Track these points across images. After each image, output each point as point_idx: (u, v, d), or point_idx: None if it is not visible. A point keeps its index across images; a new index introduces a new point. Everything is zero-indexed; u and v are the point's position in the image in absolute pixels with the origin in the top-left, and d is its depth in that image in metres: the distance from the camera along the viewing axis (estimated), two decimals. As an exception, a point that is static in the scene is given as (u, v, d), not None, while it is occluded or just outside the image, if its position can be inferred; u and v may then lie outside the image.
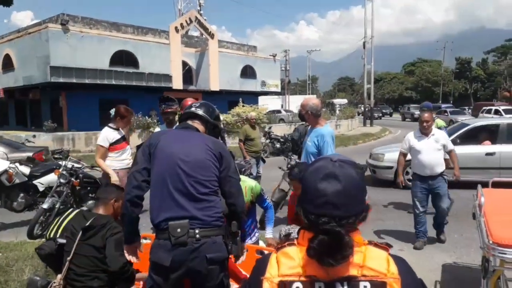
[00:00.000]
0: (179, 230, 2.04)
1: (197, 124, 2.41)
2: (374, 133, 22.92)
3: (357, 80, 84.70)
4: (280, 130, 20.98)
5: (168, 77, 24.87)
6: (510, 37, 66.13)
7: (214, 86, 27.18)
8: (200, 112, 2.45)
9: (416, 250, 4.86)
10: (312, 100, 4.39)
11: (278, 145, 14.69)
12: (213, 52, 27.11)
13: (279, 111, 29.39)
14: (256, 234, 3.62)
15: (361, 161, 8.06)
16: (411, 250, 4.87)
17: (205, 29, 27.08)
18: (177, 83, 25.13)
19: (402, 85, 75.22)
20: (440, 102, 52.99)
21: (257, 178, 7.63)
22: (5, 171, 5.67)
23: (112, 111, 5.11)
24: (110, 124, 5.13)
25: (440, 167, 4.93)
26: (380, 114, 46.02)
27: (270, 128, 17.08)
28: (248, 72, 30.79)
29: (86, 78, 21.43)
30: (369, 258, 1.08)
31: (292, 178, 3.28)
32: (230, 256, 2.32)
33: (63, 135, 17.27)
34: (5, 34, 25.33)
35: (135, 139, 17.50)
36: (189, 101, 4.60)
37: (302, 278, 1.10)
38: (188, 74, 27.67)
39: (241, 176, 3.64)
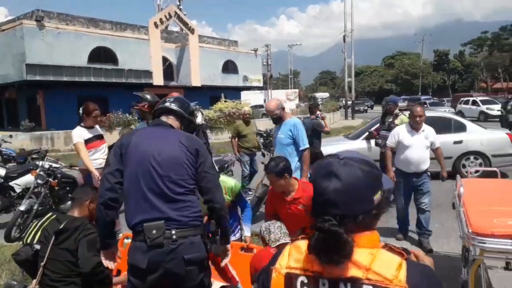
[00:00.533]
0: (154, 231, 1.99)
1: (171, 119, 2.35)
2: (355, 126, 23.08)
3: (338, 74, 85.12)
4: (263, 125, 20.95)
5: (148, 73, 24.55)
6: (486, 30, 67.42)
7: (196, 82, 26.96)
8: (174, 107, 2.38)
9: (398, 241, 4.92)
10: (274, 99, 4.69)
11: (261, 140, 14.65)
12: (194, 47, 26.86)
13: (261, 106, 29.32)
14: (240, 232, 3.60)
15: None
16: (393, 242, 4.94)
17: (185, 24, 26.80)
18: (158, 79, 24.84)
19: (382, 78, 76.16)
20: (420, 94, 53.84)
21: (252, 174, 7.44)
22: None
23: (81, 110, 5.03)
24: (82, 124, 5.02)
25: (426, 164, 4.78)
26: (366, 107, 45.30)
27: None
28: (229, 67, 30.64)
29: (64, 75, 20.96)
30: (377, 261, 1.03)
31: (268, 172, 3.21)
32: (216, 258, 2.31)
33: (41, 135, 16.88)
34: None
35: (116, 137, 17.24)
36: (175, 95, 4.59)
37: (308, 273, 1.09)
38: (169, 70, 27.38)
39: (221, 177, 3.53)
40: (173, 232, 2.01)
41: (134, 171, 2.08)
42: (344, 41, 29.50)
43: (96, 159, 4.96)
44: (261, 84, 34.67)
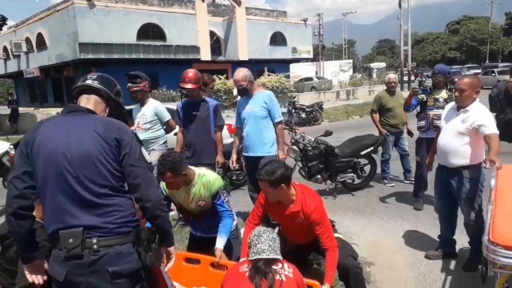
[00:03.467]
0: (71, 240, 1.71)
1: (93, 101, 1.96)
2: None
3: (398, 42, 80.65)
4: (309, 98, 20.34)
5: (195, 49, 24.53)
6: None
7: (243, 56, 26.56)
8: (96, 84, 1.97)
9: (428, 259, 3.82)
10: (243, 69, 4.30)
11: (303, 115, 14.16)
12: (241, 20, 26.34)
13: (310, 79, 28.46)
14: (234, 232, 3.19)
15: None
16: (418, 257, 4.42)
17: (232, -4, 26.25)
18: (205, 55, 24.77)
19: (445, 45, 70.91)
20: (488, 61, 49.46)
21: (403, 157, 6.16)
22: (7, 153, 5.66)
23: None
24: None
25: (458, 159, 3.39)
26: (424, 79, 40.87)
27: (294, 97, 16.45)
28: (278, 39, 29.83)
29: (115, 53, 21.53)
30: None
31: (261, 179, 2.65)
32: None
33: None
34: (37, 13, 25.72)
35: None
36: (190, 72, 4.35)
37: None
38: (216, 45, 27.19)
39: (201, 169, 3.14)
40: (94, 241, 1.72)
41: (43, 174, 1.76)
42: (400, 7, 27.47)
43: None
44: (311, 56, 33.48)
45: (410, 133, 6.16)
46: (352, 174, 5.92)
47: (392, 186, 6.16)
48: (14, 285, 2.22)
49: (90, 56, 20.68)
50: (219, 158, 4.56)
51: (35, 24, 24.79)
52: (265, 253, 2.24)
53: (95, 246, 1.72)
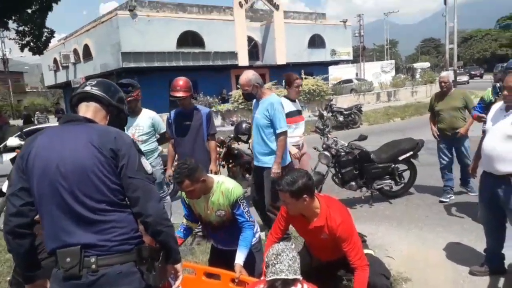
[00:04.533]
0: (68, 259, 1.61)
1: (93, 109, 1.85)
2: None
3: (443, 41, 77.56)
4: (347, 101, 19.83)
5: (233, 55, 24.75)
6: None
7: (281, 60, 26.50)
8: (96, 91, 1.85)
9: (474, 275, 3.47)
10: (249, 72, 4.09)
11: (341, 118, 13.79)
12: (279, 24, 26.31)
13: (350, 81, 27.79)
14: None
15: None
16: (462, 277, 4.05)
17: (270, 0, 26.24)
18: (243, 60, 24.93)
19: (495, 42, 67.17)
20: (543, 58, 46.28)
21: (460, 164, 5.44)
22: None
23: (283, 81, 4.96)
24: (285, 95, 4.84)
25: (508, 166, 3.04)
26: (467, 78, 38.63)
27: (331, 100, 16.06)
28: (316, 42, 29.51)
29: (155, 61, 22.15)
30: None
31: (280, 190, 2.48)
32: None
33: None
34: (85, 25, 26.96)
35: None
36: (180, 80, 4.17)
37: None
38: (254, 50, 27.32)
39: (220, 176, 3.03)
40: (93, 260, 1.61)
41: (38, 189, 1.66)
42: (445, 3, 26.23)
43: (294, 136, 4.65)
44: (350, 57, 32.82)
45: (434, 136, 5.54)
46: (389, 180, 5.60)
47: (449, 200, 5.36)
48: None
49: (132, 65, 21.38)
50: (213, 167, 4.36)
51: (82, 36, 25.99)
52: (283, 273, 2.07)
53: (93, 266, 1.61)
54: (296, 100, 4.90)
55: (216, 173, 4.48)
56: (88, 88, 1.86)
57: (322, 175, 5.33)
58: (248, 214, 2.88)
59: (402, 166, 5.73)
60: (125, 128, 4.47)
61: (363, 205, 5.56)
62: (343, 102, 19.14)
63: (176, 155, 4.46)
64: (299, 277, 2.12)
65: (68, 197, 1.63)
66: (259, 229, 3.10)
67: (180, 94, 4.13)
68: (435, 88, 26.92)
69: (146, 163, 1.80)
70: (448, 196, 5.39)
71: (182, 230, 3.08)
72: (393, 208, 5.36)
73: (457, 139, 5.26)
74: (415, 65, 46.45)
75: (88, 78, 25.60)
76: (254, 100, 4.23)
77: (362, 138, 5.26)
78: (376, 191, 5.60)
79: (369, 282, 2.56)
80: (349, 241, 2.49)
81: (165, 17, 22.92)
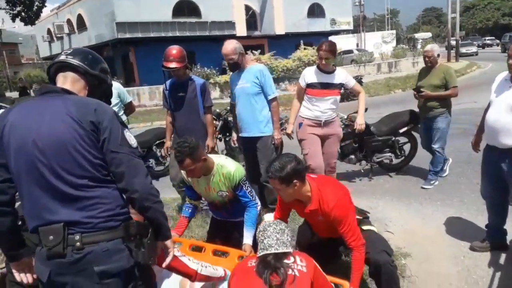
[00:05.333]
0: (51, 237, 1.53)
1: (70, 78, 1.73)
2: (458, 69, 20.26)
3: (445, 10, 76.01)
4: (348, 72, 19.49)
5: (231, 24, 24.19)
6: None
7: (280, 30, 25.92)
8: (74, 61, 1.72)
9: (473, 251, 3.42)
10: (232, 41, 3.93)
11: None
12: (277, -7, 25.56)
13: (350, 51, 27.30)
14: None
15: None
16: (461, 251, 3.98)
17: (267, -32, 25.41)
18: (241, 30, 24.39)
19: (498, 12, 65.82)
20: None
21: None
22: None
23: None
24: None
25: (509, 138, 2.92)
26: (475, 49, 34.31)
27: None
28: (315, 11, 28.81)
29: (151, 31, 21.62)
30: None
31: (270, 177, 2.38)
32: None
33: (128, 91, 17.77)
34: (77, -5, 26.21)
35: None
36: (173, 49, 3.92)
37: None
38: (252, 19, 26.64)
39: (220, 157, 2.94)
40: (78, 237, 1.54)
41: (15, 166, 1.57)
42: (449, -30, 25.43)
43: (313, 110, 4.26)
44: (351, 27, 32.14)
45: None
46: (389, 153, 5.49)
47: (431, 186, 4.92)
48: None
49: (127, 35, 20.90)
50: (210, 142, 4.20)
51: (75, 6, 25.31)
52: (273, 248, 2.03)
53: (78, 244, 1.53)
54: (335, 73, 4.22)
55: (213, 148, 4.36)
56: (63, 57, 1.74)
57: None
58: (251, 194, 2.84)
59: (402, 139, 5.60)
60: None
61: (362, 179, 5.47)
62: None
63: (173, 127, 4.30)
64: (290, 250, 2.07)
65: (47, 173, 1.54)
66: (260, 206, 3.01)
67: (173, 65, 3.86)
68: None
69: (130, 137, 1.69)
70: (432, 182, 4.96)
71: (187, 209, 3.04)
72: (393, 182, 5.28)
73: (431, 118, 4.78)
74: (417, 35, 45.68)
75: (83, 49, 25.20)
76: (232, 76, 4.12)
77: (363, 110, 5.10)
78: (376, 164, 5.50)
79: (371, 259, 2.50)
80: (344, 223, 2.41)
81: (160, -14, 22.22)
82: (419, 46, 29.88)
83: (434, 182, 4.95)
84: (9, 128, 1.58)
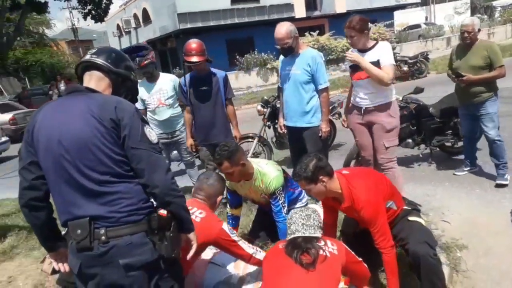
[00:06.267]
0: (79, 231, 1.62)
1: (95, 77, 1.80)
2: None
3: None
4: (414, 48, 18.37)
5: (289, 6, 23.70)
6: None
7: (340, 8, 24.93)
8: (98, 60, 1.80)
9: None
10: (285, 23, 3.66)
11: (405, 68, 12.79)
12: (337, -31, 24.57)
13: (417, 26, 25.58)
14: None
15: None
16: None
17: None
18: (300, 11, 23.81)
19: None
20: None
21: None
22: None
23: None
24: None
25: None
26: None
27: (394, 48, 14.91)
28: (379, -14, 27.28)
29: (211, 20, 21.91)
30: None
31: (297, 180, 2.39)
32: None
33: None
34: (142, -11, 27.28)
35: (254, 79, 17.50)
36: (193, 43, 3.79)
37: None
38: (312, -1, 25.91)
39: (260, 162, 2.98)
40: (103, 231, 1.61)
41: (44, 163, 1.67)
42: None
43: (354, 95, 3.94)
44: (418, 0, 30.04)
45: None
46: (452, 136, 5.09)
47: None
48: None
49: (189, 25, 21.38)
50: (236, 133, 4.19)
51: (140, 0, 26.36)
52: (299, 232, 2.07)
53: (103, 237, 1.62)
54: (371, 51, 3.57)
55: (241, 137, 4.41)
56: (88, 57, 1.83)
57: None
58: (284, 205, 2.88)
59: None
60: (148, 94, 4.21)
61: (421, 164, 5.15)
62: (409, 50, 17.82)
63: (193, 122, 4.18)
64: (318, 234, 2.09)
65: (72, 170, 1.63)
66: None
67: (195, 59, 3.76)
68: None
69: (150, 132, 1.73)
70: (466, 169, 4.63)
71: (231, 221, 3.16)
72: (455, 167, 4.87)
73: (477, 105, 4.12)
74: (495, 2, 41.53)
75: (149, 42, 26.09)
76: (282, 59, 3.91)
77: (418, 90, 4.76)
78: (436, 148, 5.13)
79: (410, 250, 2.39)
80: (373, 224, 2.34)
81: (218, -27, 22.37)
82: (496, 15, 27.26)
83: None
84: (38, 127, 1.68)
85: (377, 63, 3.47)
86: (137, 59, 4.04)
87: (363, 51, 3.57)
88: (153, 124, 4.30)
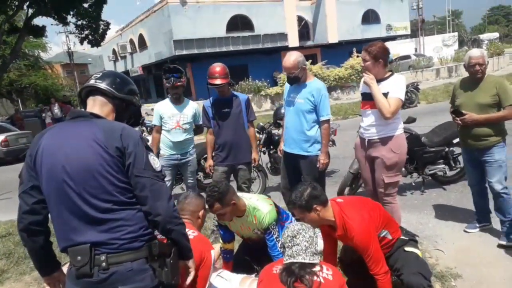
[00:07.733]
0: (79, 258, 1.60)
1: (99, 102, 1.80)
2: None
3: (515, 7, 70.83)
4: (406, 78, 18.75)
5: (283, 36, 24.36)
6: None
7: (333, 38, 25.65)
8: (102, 85, 1.79)
9: None
10: (295, 53, 3.74)
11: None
12: (330, 1, 25.36)
13: (407, 57, 26.31)
14: None
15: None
16: None
17: (319, -23, 25.34)
18: (293, 41, 24.46)
19: None
20: None
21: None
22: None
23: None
24: None
25: None
26: None
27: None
28: (370, 17, 28.20)
29: (206, 47, 22.34)
30: None
31: (291, 207, 2.48)
32: None
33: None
34: (139, 15, 27.81)
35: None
36: (217, 67, 4.03)
37: None
38: (305, 30, 26.65)
39: (252, 198, 2.95)
40: (103, 258, 1.60)
41: (46, 188, 1.66)
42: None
43: (362, 126, 4.00)
44: (408, 32, 30.97)
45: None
46: (443, 165, 5.19)
47: (474, 231, 3.91)
48: None
49: (184, 52, 21.75)
50: (255, 155, 4.32)
51: (136, 26, 26.85)
52: (300, 257, 2.02)
53: (104, 264, 1.60)
54: (384, 82, 3.39)
55: (258, 160, 4.46)
56: (92, 82, 1.82)
57: (355, 174, 4.83)
58: (278, 239, 2.83)
59: (457, 149, 5.26)
60: (169, 114, 4.33)
61: (414, 192, 5.21)
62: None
63: (216, 144, 4.32)
64: (317, 261, 2.06)
65: (75, 197, 1.62)
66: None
67: (218, 81, 3.99)
68: (504, 60, 24.70)
69: (154, 160, 1.75)
70: (478, 225, 3.92)
71: (225, 255, 3.15)
72: (448, 196, 4.96)
73: (483, 150, 3.55)
74: (482, 36, 42.98)
75: (144, 67, 26.59)
76: (288, 85, 3.98)
77: (411, 120, 4.87)
78: (428, 176, 5.21)
79: (404, 281, 2.43)
80: (366, 251, 2.39)
81: (214, 3, 22.95)
82: (483, 48, 28.12)
83: (477, 227, 3.90)
84: (42, 151, 1.67)
85: (386, 95, 3.33)
86: (172, 78, 4.19)
87: (377, 81, 3.39)
88: (166, 144, 4.43)
